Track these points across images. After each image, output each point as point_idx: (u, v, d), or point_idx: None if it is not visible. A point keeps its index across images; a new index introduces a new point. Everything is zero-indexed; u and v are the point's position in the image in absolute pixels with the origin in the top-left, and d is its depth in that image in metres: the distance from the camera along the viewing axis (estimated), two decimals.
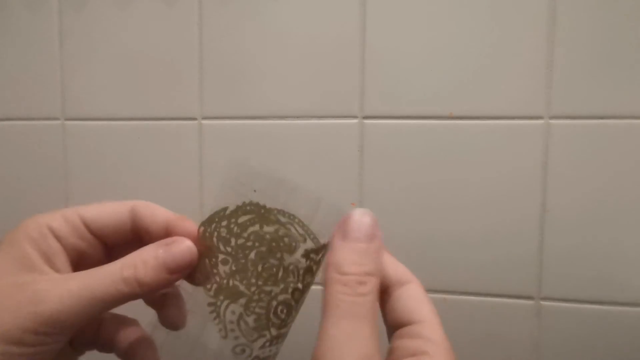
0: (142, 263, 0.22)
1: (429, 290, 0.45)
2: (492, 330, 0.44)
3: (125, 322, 0.26)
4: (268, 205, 0.23)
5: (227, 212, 0.23)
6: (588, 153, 0.41)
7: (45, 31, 0.50)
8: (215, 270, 0.23)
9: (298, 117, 0.46)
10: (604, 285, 0.42)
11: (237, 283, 0.23)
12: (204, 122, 0.48)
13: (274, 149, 0.46)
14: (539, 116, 0.42)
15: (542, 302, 0.43)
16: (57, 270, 0.23)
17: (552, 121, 0.42)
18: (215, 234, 0.23)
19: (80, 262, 0.24)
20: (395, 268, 0.23)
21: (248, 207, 0.23)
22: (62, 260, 0.23)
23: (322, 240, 0.23)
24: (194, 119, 0.48)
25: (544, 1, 0.41)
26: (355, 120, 0.45)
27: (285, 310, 0.23)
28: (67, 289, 0.20)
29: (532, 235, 0.43)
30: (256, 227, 0.23)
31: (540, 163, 0.42)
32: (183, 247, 0.23)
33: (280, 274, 0.23)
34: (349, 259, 0.21)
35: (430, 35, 0.43)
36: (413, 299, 0.22)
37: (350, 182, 0.45)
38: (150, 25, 0.48)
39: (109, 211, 0.24)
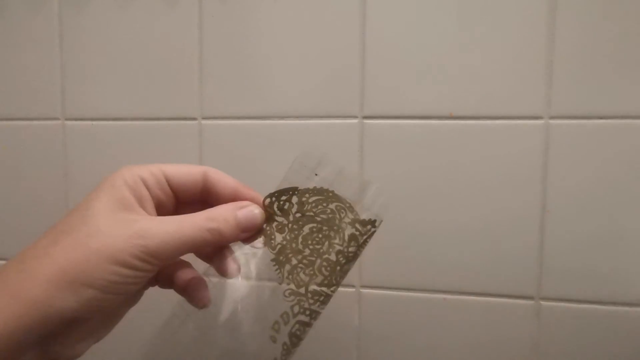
0: (224, 220, 0.27)
1: (429, 290, 0.45)
2: (492, 330, 0.44)
3: (182, 263, 0.30)
4: (333, 190, 0.29)
5: (298, 190, 0.29)
6: (588, 153, 0.41)
7: (45, 31, 0.50)
8: (273, 236, 0.29)
9: (298, 117, 0.46)
10: (604, 285, 0.42)
11: (289, 247, 0.29)
12: (204, 122, 0.48)
13: (274, 149, 0.46)
14: (539, 116, 0.42)
15: (542, 302, 0.43)
16: (149, 214, 0.27)
17: (552, 121, 0.42)
18: (277, 205, 0.29)
19: (158, 210, 0.28)
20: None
21: (317, 190, 0.29)
22: (150, 206, 0.27)
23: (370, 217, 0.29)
24: (194, 119, 0.48)
25: (544, 1, 0.41)
26: (355, 120, 0.45)
27: (328, 269, 0.28)
28: (166, 230, 0.25)
29: (532, 235, 0.43)
30: (321, 206, 0.29)
31: (540, 163, 0.42)
32: (256, 213, 0.28)
33: (325, 243, 0.29)
34: None
35: (430, 35, 0.43)
36: None
37: None
38: (150, 25, 0.48)
39: (186, 171, 0.29)
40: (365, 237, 0.29)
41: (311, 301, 0.28)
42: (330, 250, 0.28)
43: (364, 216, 0.29)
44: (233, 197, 0.29)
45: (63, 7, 0.50)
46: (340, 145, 0.45)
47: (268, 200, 0.29)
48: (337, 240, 0.29)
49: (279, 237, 0.29)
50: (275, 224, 0.29)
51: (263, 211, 0.29)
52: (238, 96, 0.47)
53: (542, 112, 0.42)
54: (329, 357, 0.47)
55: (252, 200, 0.29)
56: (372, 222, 0.29)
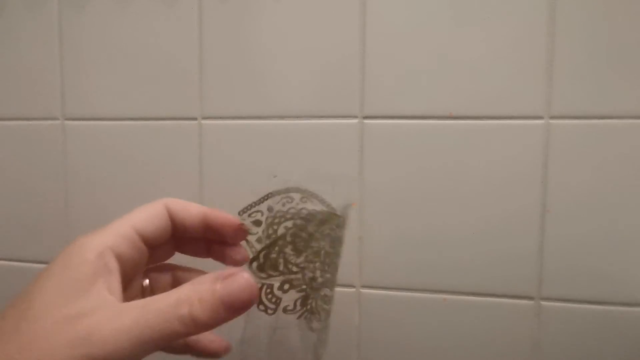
0: (198, 300, 0.20)
1: (428, 290, 0.45)
2: (492, 330, 0.44)
3: None
4: (298, 187, 0.28)
5: (270, 197, 0.27)
6: (588, 153, 0.41)
7: (45, 31, 0.50)
8: (253, 249, 0.27)
9: (298, 117, 0.46)
10: (604, 285, 0.42)
11: (273, 256, 0.25)
12: (204, 122, 0.48)
13: (274, 149, 0.46)
14: (539, 116, 0.42)
15: (542, 302, 0.43)
16: (111, 291, 0.22)
17: (552, 121, 0.42)
18: (248, 217, 0.27)
19: (128, 271, 0.24)
20: None
21: (282, 189, 0.27)
22: (116, 279, 0.22)
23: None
24: (194, 119, 0.48)
25: (544, 1, 0.41)
26: (355, 120, 0.45)
27: (318, 259, 0.27)
28: (118, 329, 0.20)
29: (532, 235, 0.43)
30: (288, 204, 0.28)
31: (541, 163, 0.42)
32: (242, 282, 0.21)
33: (306, 244, 0.26)
34: None
35: (430, 35, 0.43)
36: None
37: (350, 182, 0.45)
38: (150, 25, 0.48)
39: (152, 216, 0.25)
40: (334, 226, 0.28)
41: (320, 301, 0.28)
42: (314, 244, 0.27)
43: (335, 205, 0.28)
44: (202, 225, 0.25)
45: (63, 7, 0.50)
46: (340, 145, 0.45)
47: (242, 218, 0.27)
48: (311, 229, 0.27)
49: (259, 247, 0.27)
50: (250, 237, 0.27)
51: (251, 277, 0.22)
52: (238, 96, 0.47)
53: (542, 112, 0.42)
54: (329, 357, 0.47)
55: (224, 223, 0.25)
56: (341, 215, 0.28)
